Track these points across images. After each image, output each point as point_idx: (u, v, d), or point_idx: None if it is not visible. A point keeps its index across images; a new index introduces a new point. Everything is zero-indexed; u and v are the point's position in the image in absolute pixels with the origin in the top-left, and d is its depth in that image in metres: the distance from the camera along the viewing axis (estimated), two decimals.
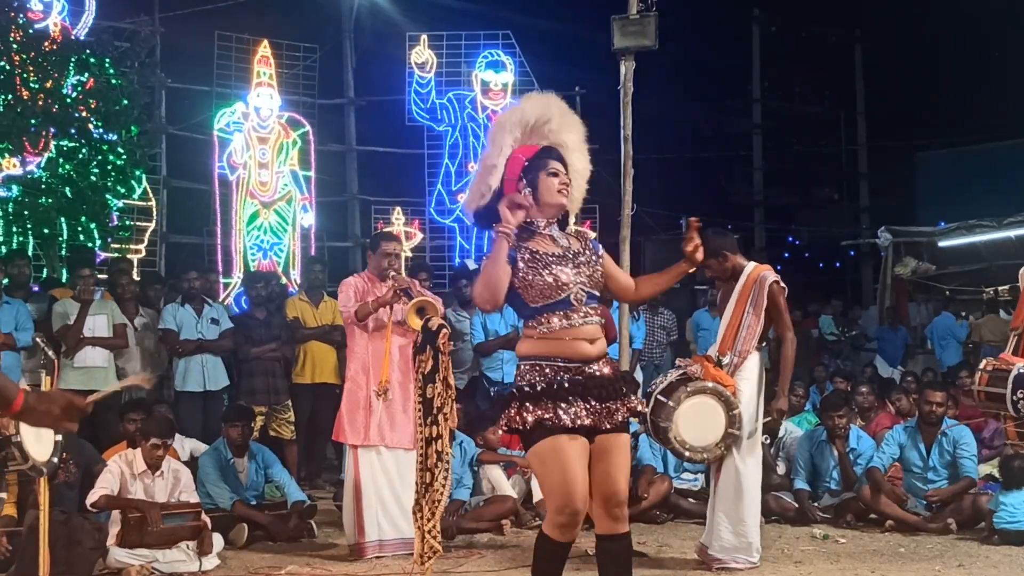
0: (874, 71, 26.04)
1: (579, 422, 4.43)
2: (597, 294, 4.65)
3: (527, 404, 4.46)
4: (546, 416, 4.42)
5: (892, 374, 14.24)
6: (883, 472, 8.58)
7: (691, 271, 5.07)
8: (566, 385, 4.46)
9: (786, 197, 27.33)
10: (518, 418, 4.48)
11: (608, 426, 4.49)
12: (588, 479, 4.47)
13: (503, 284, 4.51)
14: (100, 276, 10.53)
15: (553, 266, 4.54)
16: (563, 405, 4.43)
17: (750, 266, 7.10)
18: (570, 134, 4.90)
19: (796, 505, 8.83)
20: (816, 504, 8.90)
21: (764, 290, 6.95)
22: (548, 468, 4.46)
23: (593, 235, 4.95)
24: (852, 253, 25.68)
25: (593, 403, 4.47)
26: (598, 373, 4.53)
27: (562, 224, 4.80)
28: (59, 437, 4.38)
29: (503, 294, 4.55)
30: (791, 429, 9.77)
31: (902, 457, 8.67)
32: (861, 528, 8.53)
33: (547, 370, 4.50)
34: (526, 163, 4.69)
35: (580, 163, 4.91)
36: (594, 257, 4.69)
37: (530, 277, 4.52)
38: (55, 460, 4.27)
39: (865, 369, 14.28)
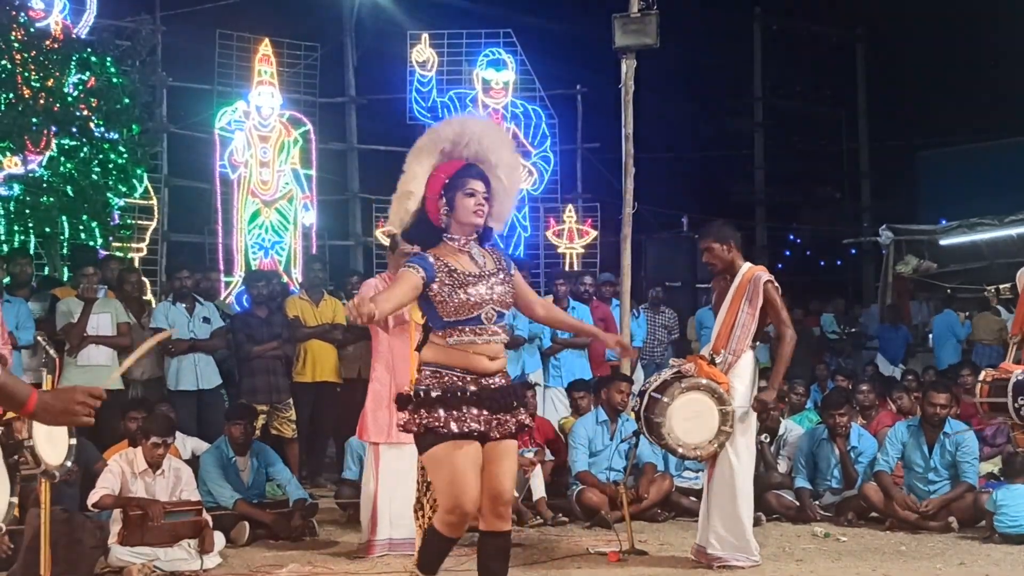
0: (875, 70, 26.04)
1: (468, 429, 4.72)
2: (506, 312, 4.94)
3: (422, 410, 4.74)
4: (437, 424, 4.71)
5: (893, 372, 14.24)
6: (890, 473, 8.58)
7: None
8: (460, 395, 4.75)
9: (787, 196, 27.32)
10: (413, 422, 4.77)
11: (497, 435, 4.79)
12: (479, 483, 4.75)
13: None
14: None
15: (469, 286, 4.80)
16: (455, 413, 4.72)
17: (745, 266, 7.12)
18: (496, 151, 5.01)
19: (797, 503, 8.83)
20: (817, 502, 8.90)
21: (759, 289, 6.96)
22: (440, 472, 4.76)
23: (504, 256, 5.11)
24: (853, 252, 25.68)
25: (485, 412, 4.76)
26: (493, 386, 4.82)
27: (485, 238, 5.02)
28: (73, 441, 4.38)
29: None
30: (792, 427, 9.77)
31: (904, 456, 8.66)
32: (862, 526, 8.52)
33: (446, 378, 4.79)
34: (446, 181, 4.87)
35: (508, 179, 5.03)
36: (507, 276, 4.96)
37: (446, 294, 4.77)
38: (67, 464, 4.27)
39: (867, 367, 14.28)
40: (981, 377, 6.34)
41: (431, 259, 4.83)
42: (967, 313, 15.76)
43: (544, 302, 5.45)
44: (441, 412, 4.73)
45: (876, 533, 8.27)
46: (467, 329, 4.81)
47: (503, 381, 4.91)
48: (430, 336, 4.91)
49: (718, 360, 6.94)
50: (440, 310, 4.81)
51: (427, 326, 4.96)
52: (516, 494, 8.63)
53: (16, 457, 4.00)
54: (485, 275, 4.88)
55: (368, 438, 7.48)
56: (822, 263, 28.57)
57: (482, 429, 4.76)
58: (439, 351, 4.84)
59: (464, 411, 4.74)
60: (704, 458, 6.97)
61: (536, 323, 10.61)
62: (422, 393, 4.77)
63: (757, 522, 7.30)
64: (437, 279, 4.78)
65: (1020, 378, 5.94)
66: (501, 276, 4.93)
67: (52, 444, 4.26)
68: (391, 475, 7.32)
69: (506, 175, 5.02)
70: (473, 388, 4.78)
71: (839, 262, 28.06)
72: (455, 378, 4.79)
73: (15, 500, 3.85)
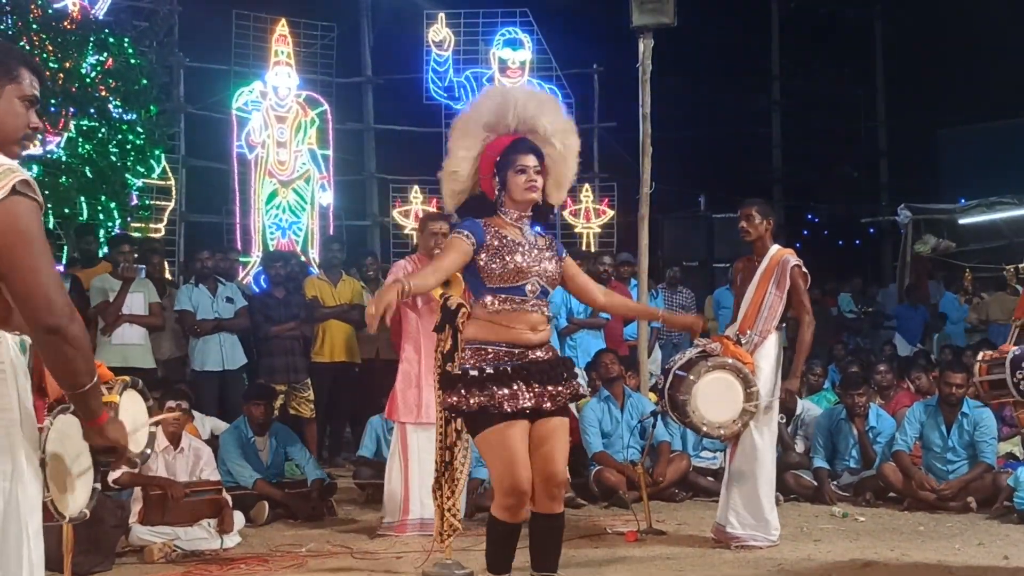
0: (894, 47, 25.85)
1: (520, 405, 4.66)
2: (550, 290, 4.89)
3: (473, 389, 4.68)
4: (489, 404, 4.65)
5: (911, 352, 14.20)
6: (908, 453, 8.57)
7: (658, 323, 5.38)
8: (509, 370, 4.68)
9: (805, 175, 27.15)
10: (463, 403, 4.70)
11: (549, 406, 4.72)
12: (530, 462, 4.69)
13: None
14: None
15: (517, 254, 4.76)
16: (505, 391, 4.65)
17: (774, 248, 7.13)
18: (544, 118, 4.90)
19: (815, 483, 8.83)
20: (835, 482, 8.90)
21: (787, 272, 6.98)
22: (494, 455, 4.69)
23: (555, 241, 5.13)
24: (872, 231, 25.56)
25: (535, 386, 4.69)
26: (541, 359, 4.77)
27: (544, 215, 5.05)
28: (153, 429, 4.41)
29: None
30: (809, 407, 9.76)
31: (922, 436, 8.66)
32: (880, 506, 8.52)
33: (490, 355, 4.73)
34: (497, 159, 4.83)
35: (562, 144, 4.94)
36: (556, 256, 4.93)
37: (495, 261, 4.74)
38: (148, 451, 4.29)
39: (885, 347, 14.23)
40: (979, 357, 6.34)
41: (480, 223, 4.80)
42: (965, 295, 15.67)
43: (603, 288, 5.36)
44: (493, 390, 4.65)
45: (894, 513, 8.27)
46: (509, 298, 4.75)
47: (549, 355, 4.85)
48: (473, 309, 4.90)
49: (744, 340, 6.94)
50: (485, 276, 4.76)
51: (454, 308, 4.95)
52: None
53: None
54: (536, 249, 4.84)
55: (397, 418, 7.48)
56: (840, 242, 28.41)
57: (533, 405, 4.69)
58: (480, 326, 4.80)
59: (514, 388, 4.66)
60: (727, 437, 6.97)
61: (552, 306, 10.67)
62: (470, 372, 4.71)
63: (776, 502, 7.29)
64: (486, 244, 4.75)
65: (1018, 353, 5.94)
66: (550, 254, 4.89)
67: (135, 431, 4.28)
68: (420, 455, 7.32)
69: (560, 140, 4.92)
70: (520, 362, 4.72)
71: (857, 241, 27.92)
72: (501, 354, 4.72)
73: (99, 486, 3.87)
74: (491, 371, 4.68)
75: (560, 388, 4.78)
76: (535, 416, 4.73)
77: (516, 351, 4.74)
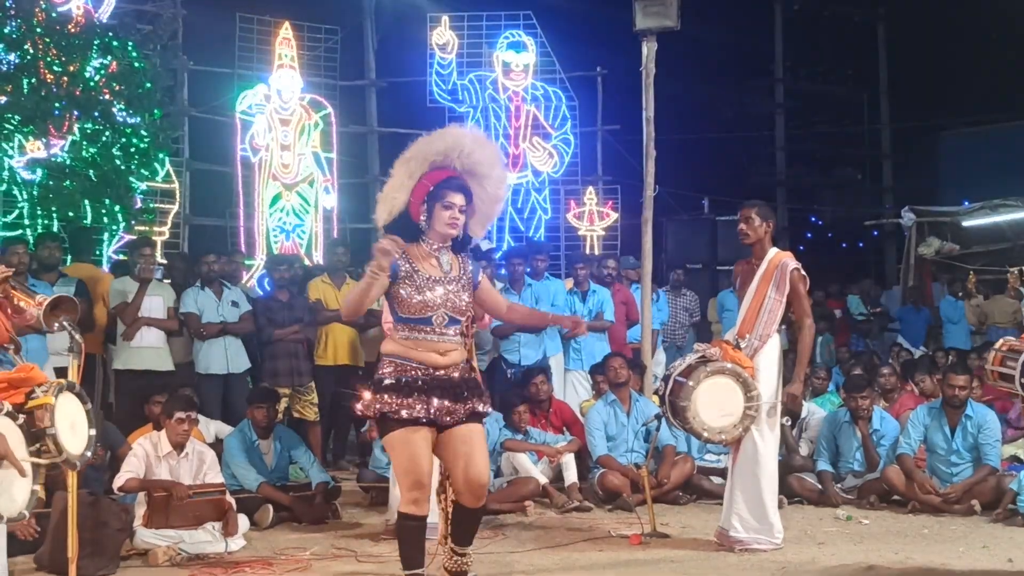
0: (897, 49, 25.86)
1: (415, 415, 5.18)
2: (460, 319, 5.38)
3: (378, 395, 5.23)
4: (389, 411, 5.19)
5: (914, 355, 14.18)
6: (912, 456, 8.57)
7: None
8: (418, 383, 5.23)
9: (808, 177, 27.20)
10: (370, 409, 5.26)
11: (447, 421, 5.25)
12: (432, 461, 5.29)
13: (364, 308, 5.36)
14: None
15: (426, 290, 5.26)
16: (408, 400, 5.19)
17: (772, 251, 7.12)
18: (485, 166, 5.43)
19: (819, 486, 8.83)
20: (839, 485, 8.89)
21: (786, 275, 6.97)
22: (398, 454, 5.24)
23: (471, 265, 5.55)
24: (875, 233, 25.57)
25: (435, 401, 5.22)
26: (445, 377, 5.29)
27: (462, 246, 5.48)
28: (93, 431, 4.40)
29: (363, 312, 5.45)
30: (813, 410, 9.76)
31: (926, 439, 8.65)
32: (884, 509, 8.52)
33: (402, 369, 5.27)
34: (430, 189, 5.31)
35: (493, 190, 5.49)
36: (469, 284, 5.41)
37: (404, 294, 5.26)
38: (88, 454, 4.29)
39: (892, 348, 14.21)
40: (997, 345, 6.34)
41: (397, 258, 5.23)
42: (961, 293, 15.66)
43: (508, 303, 5.92)
44: (395, 400, 5.20)
45: (898, 516, 8.27)
46: (418, 327, 5.28)
47: (456, 374, 5.34)
48: (390, 329, 5.42)
49: (743, 345, 6.94)
50: (398, 308, 5.29)
51: (392, 317, 5.38)
52: (545, 479, 8.75)
53: (39, 446, 4.01)
54: (445, 281, 5.32)
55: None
56: (844, 245, 28.43)
57: (431, 417, 5.21)
58: (395, 344, 5.34)
59: (414, 399, 5.19)
60: (729, 442, 6.98)
61: (556, 309, 10.70)
62: (384, 381, 5.26)
63: (779, 505, 7.30)
64: (401, 275, 5.23)
65: None
66: (463, 283, 5.38)
67: (74, 433, 4.27)
68: None
69: (492, 186, 5.47)
70: (425, 378, 5.24)
71: (861, 244, 27.93)
72: (410, 368, 5.25)
73: (38, 488, 3.86)
74: (399, 382, 5.23)
75: (458, 406, 5.26)
76: (441, 427, 5.26)
77: (424, 368, 5.26)
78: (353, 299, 5.27)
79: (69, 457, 4.03)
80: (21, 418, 3.85)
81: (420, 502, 5.22)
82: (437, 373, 5.28)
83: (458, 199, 5.30)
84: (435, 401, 5.21)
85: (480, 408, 5.40)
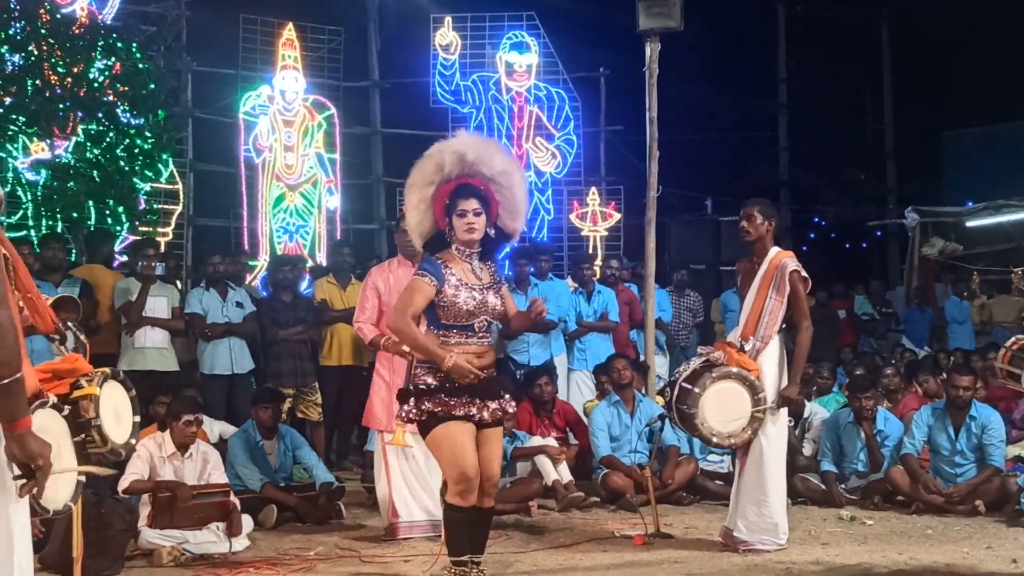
0: (901, 50, 25.81)
1: (466, 413, 5.39)
2: (495, 323, 5.62)
3: (423, 399, 5.40)
4: (438, 409, 5.37)
5: (918, 355, 14.17)
6: (916, 457, 8.56)
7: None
8: (455, 385, 5.38)
9: (812, 178, 27.13)
10: (414, 411, 5.42)
11: (487, 418, 5.46)
12: (477, 455, 5.41)
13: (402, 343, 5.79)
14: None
15: (469, 297, 5.44)
16: (455, 401, 5.38)
17: (773, 251, 7.09)
18: (485, 163, 5.52)
19: (823, 487, 8.83)
20: (843, 486, 8.89)
21: (786, 277, 6.95)
22: (444, 448, 5.41)
23: (499, 270, 5.79)
24: (879, 234, 25.53)
25: (476, 400, 5.42)
26: (482, 378, 5.42)
27: (494, 247, 5.67)
28: (137, 418, 4.39)
29: None
30: (817, 410, 9.76)
31: (930, 439, 8.65)
32: (888, 510, 8.51)
33: (440, 373, 5.39)
34: (446, 202, 5.48)
35: (506, 182, 5.55)
36: (499, 289, 5.61)
37: (450, 301, 5.42)
38: (132, 442, 4.28)
39: (898, 349, 14.20)
40: (1008, 343, 6.35)
41: (439, 264, 5.45)
42: (973, 298, 15.64)
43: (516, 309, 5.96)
44: (442, 398, 5.38)
45: (902, 517, 8.26)
46: (459, 332, 5.46)
47: (490, 373, 5.53)
48: (427, 332, 5.51)
49: (747, 347, 6.93)
50: (441, 314, 5.45)
51: (428, 323, 5.51)
52: (568, 479, 8.75)
53: (83, 436, 4.00)
54: (482, 287, 5.51)
55: (374, 426, 7.62)
56: (847, 245, 28.39)
57: (475, 414, 5.41)
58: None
59: (459, 400, 5.38)
60: (738, 446, 6.97)
61: (561, 309, 10.72)
62: (423, 386, 5.42)
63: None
64: (446, 283, 5.40)
65: None
66: (495, 289, 5.56)
67: (119, 422, 4.26)
68: (400, 462, 7.41)
69: (504, 179, 5.55)
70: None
71: (864, 244, 27.89)
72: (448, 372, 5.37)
73: (83, 479, 3.86)
74: (438, 384, 5.38)
75: (495, 404, 5.50)
76: (478, 425, 5.44)
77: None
78: (406, 340, 5.53)
79: (114, 447, 4.03)
80: (66, 409, 3.84)
81: (466, 494, 5.39)
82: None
83: (470, 204, 5.44)
84: (476, 401, 5.42)
85: (510, 410, 5.65)
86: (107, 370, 4.23)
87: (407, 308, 5.43)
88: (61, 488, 3.70)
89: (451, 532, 5.54)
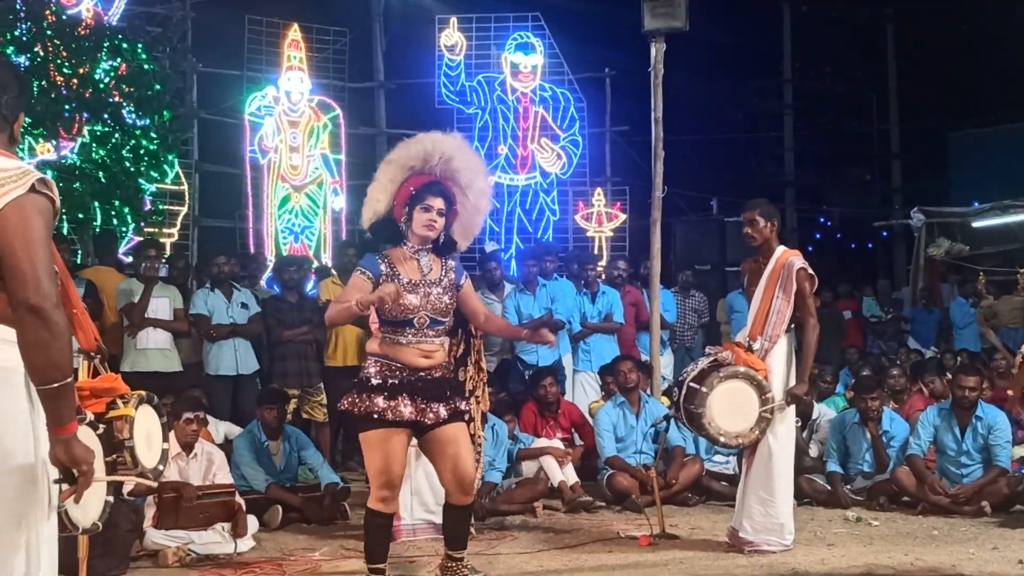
0: (906, 49, 25.79)
1: (399, 417, 5.35)
2: (443, 320, 5.53)
3: (363, 395, 5.40)
4: (374, 411, 5.35)
5: (925, 356, 14.14)
6: (922, 457, 8.55)
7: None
8: (397, 383, 5.39)
9: (817, 178, 27.13)
10: (354, 405, 5.41)
11: (429, 421, 5.41)
12: (405, 462, 5.52)
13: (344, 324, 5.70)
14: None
15: (408, 294, 5.40)
16: (392, 403, 5.35)
17: (779, 250, 7.08)
18: (466, 173, 5.58)
19: (829, 487, 8.81)
20: (849, 487, 8.88)
21: (792, 275, 6.94)
22: (374, 452, 5.40)
23: (455, 267, 5.74)
24: (885, 234, 25.50)
25: (418, 401, 5.39)
26: (428, 377, 5.45)
27: (445, 250, 5.62)
28: (167, 445, 4.40)
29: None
30: (824, 411, 9.75)
31: (936, 440, 8.63)
32: (894, 510, 8.50)
33: (385, 369, 5.43)
34: (412, 192, 5.47)
35: (476, 201, 5.64)
36: (451, 286, 5.56)
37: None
38: (160, 467, 4.28)
39: (901, 350, 14.17)
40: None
41: (379, 262, 5.46)
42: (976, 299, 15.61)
43: (487, 312, 6.02)
44: (379, 401, 5.36)
45: (908, 518, 8.24)
46: (400, 330, 5.43)
47: (439, 374, 5.52)
48: (376, 330, 5.55)
49: (755, 347, 6.92)
50: (381, 311, 5.44)
51: (378, 319, 5.54)
52: (574, 480, 8.74)
53: (115, 456, 4.01)
54: (425, 284, 5.47)
55: None
56: (853, 246, 28.37)
57: (414, 418, 5.38)
58: (379, 344, 5.49)
59: (398, 400, 5.36)
60: (746, 446, 6.96)
61: (567, 310, 10.72)
62: (364, 379, 5.43)
63: None
64: (382, 281, 5.38)
65: None
66: (444, 286, 5.53)
67: (149, 446, 4.28)
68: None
69: (475, 197, 5.62)
70: (409, 379, 5.40)
71: (870, 245, 27.87)
72: (394, 369, 5.41)
73: (111, 499, 3.87)
74: (384, 383, 5.38)
75: (440, 406, 5.44)
76: (421, 427, 5.44)
77: (407, 369, 5.42)
78: (336, 316, 5.45)
79: (143, 471, 4.03)
80: (101, 428, 3.87)
81: (388, 501, 5.46)
82: (420, 373, 5.43)
83: (437, 203, 5.45)
84: (419, 402, 5.38)
85: (462, 407, 5.61)
86: (143, 393, 4.24)
87: (339, 299, 5.45)
88: (91, 505, 3.71)
89: (370, 538, 5.57)
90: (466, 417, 5.77)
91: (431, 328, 5.48)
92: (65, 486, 3.26)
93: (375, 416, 5.35)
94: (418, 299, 5.42)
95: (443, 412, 5.46)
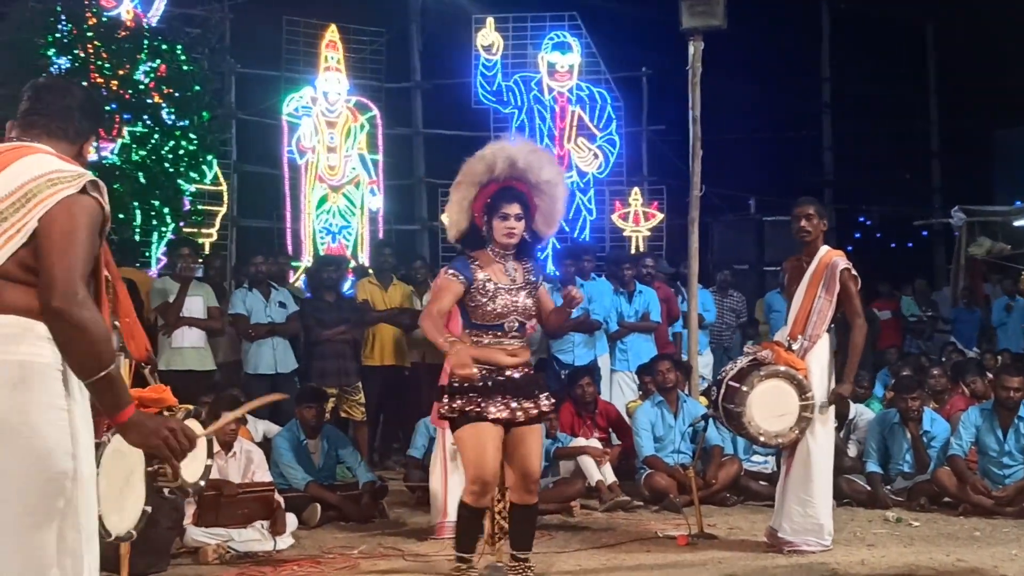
0: (947, 48, 25.54)
1: (495, 415, 5.51)
2: (528, 322, 5.75)
3: (456, 397, 5.55)
4: (468, 408, 5.53)
5: (967, 356, 13.98)
6: (964, 458, 8.47)
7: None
8: (488, 384, 5.53)
9: (856, 177, 26.90)
10: (446, 408, 5.59)
11: (521, 419, 5.58)
12: (500, 460, 5.60)
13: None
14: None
15: (498, 297, 5.60)
16: (483, 401, 5.52)
17: (823, 250, 7.05)
18: (533, 170, 5.66)
19: (868, 488, 8.75)
20: (889, 487, 8.81)
21: (836, 275, 6.90)
22: (468, 448, 5.57)
23: (534, 269, 5.87)
24: (924, 233, 25.26)
25: (509, 400, 5.56)
26: (515, 376, 5.62)
27: (529, 250, 5.79)
28: (209, 462, 4.40)
29: None
30: (862, 411, 9.68)
31: (978, 440, 8.55)
32: (935, 511, 8.42)
33: (474, 371, 5.44)
34: (488, 202, 5.63)
35: (550, 192, 5.71)
36: (533, 289, 5.74)
37: (479, 302, 5.59)
38: (201, 483, 4.28)
39: (944, 348, 14.02)
40: None
41: (471, 264, 5.62)
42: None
43: (554, 307, 6.00)
44: (473, 398, 5.51)
45: (949, 518, 8.17)
46: (490, 333, 5.62)
47: (523, 373, 5.69)
48: (462, 334, 5.68)
49: (795, 346, 6.88)
50: (471, 314, 5.63)
51: (463, 323, 5.72)
52: (612, 480, 8.73)
53: (157, 467, 4.02)
54: (514, 288, 5.65)
55: (439, 424, 7.55)
56: (892, 245, 28.12)
57: (507, 416, 5.53)
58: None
59: (490, 399, 5.51)
60: (785, 446, 6.92)
61: (604, 309, 10.70)
62: (456, 384, 5.54)
63: None
64: (475, 285, 5.56)
65: None
66: (528, 290, 5.70)
67: (192, 460, 4.32)
68: (460, 460, 7.35)
69: (548, 188, 5.71)
70: (498, 378, 5.55)
71: (910, 244, 27.61)
72: (482, 371, 5.46)
73: (149, 509, 3.88)
74: (472, 383, 5.48)
75: (529, 404, 5.61)
76: (509, 425, 5.57)
77: (496, 369, 5.57)
78: (428, 335, 5.64)
79: (183, 484, 4.03)
80: None
81: (479, 496, 5.59)
82: (507, 373, 5.59)
83: (513, 208, 5.60)
84: (509, 401, 5.54)
85: (546, 408, 5.75)
86: (190, 407, 4.26)
87: (432, 305, 5.62)
88: (129, 514, 3.72)
89: (460, 527, 5.79)
90: (549, 416, 5.99)
91: (519, 330, 5.69)
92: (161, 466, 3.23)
93: (469, 413, 5.53)
94: (509, 303, 5.61)
95: (532, 410, 5.63)
